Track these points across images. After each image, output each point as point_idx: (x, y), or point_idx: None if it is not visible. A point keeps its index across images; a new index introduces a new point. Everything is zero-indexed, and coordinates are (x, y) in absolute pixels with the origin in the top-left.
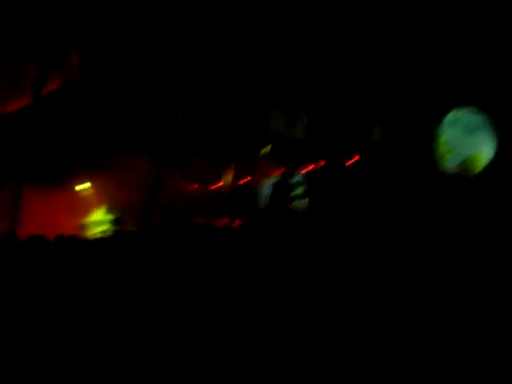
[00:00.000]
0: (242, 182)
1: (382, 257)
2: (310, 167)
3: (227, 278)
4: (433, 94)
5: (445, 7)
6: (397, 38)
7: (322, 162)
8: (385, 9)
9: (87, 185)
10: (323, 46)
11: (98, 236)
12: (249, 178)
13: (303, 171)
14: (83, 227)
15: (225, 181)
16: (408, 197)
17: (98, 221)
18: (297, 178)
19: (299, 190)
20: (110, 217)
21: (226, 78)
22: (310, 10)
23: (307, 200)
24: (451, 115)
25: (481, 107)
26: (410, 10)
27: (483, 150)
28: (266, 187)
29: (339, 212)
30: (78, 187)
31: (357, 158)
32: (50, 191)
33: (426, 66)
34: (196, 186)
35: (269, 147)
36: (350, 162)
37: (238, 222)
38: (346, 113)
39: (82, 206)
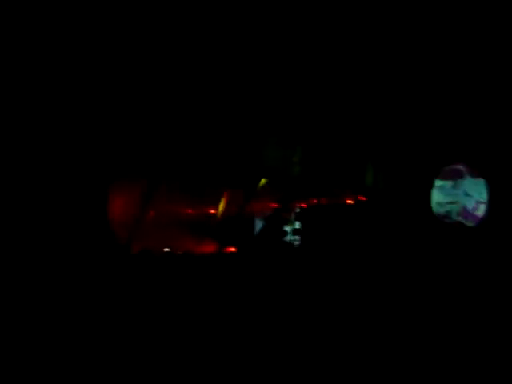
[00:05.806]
0: (234, 212)
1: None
2: (304, 204)
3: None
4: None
5: None
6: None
7: (315, 201)
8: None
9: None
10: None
11: None
12: (240, 209)
13: (296, 207)
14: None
15: (217, 208)
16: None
17: None
18: (290, 214)
19: (291, 226)
20: None
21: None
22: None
23: (298, 236)
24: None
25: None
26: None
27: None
28: (259, 220)
29: (329, 250)
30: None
31: (350, 201)
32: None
33: (430, 113)
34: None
35: (263, 181)
36: (343, 203)
37: (228, 249)
38: (342, 154)
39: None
